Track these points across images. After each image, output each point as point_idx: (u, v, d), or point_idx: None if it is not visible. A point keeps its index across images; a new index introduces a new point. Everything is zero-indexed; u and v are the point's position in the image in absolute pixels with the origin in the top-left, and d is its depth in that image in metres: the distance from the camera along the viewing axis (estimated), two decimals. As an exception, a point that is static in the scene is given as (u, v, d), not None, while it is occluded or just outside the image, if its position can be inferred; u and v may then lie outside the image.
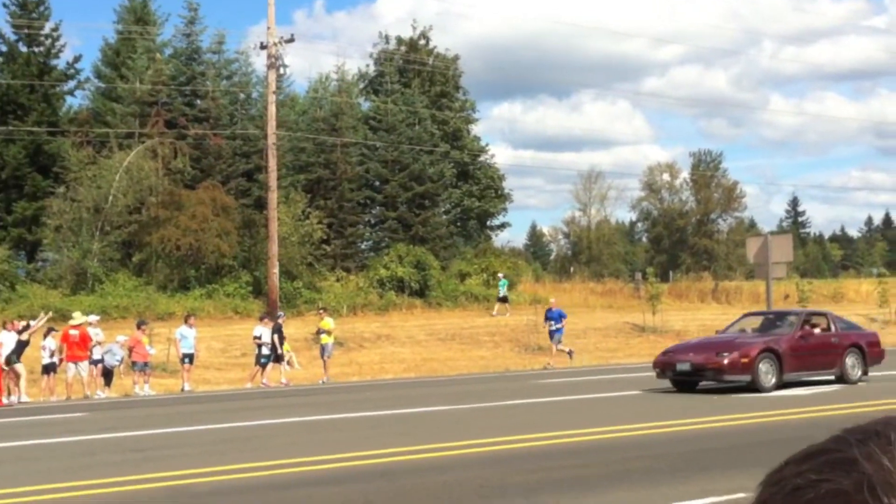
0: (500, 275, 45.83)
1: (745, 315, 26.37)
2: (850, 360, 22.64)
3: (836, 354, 22.48)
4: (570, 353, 33.50)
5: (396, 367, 30.71)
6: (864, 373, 22.81)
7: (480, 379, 29.32)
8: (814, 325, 23.01)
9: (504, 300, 44.71)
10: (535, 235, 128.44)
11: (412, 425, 16.69)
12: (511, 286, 49.08)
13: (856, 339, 23.23)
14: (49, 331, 26.35)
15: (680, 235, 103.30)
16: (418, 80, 58.58)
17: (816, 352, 22.29)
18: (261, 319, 30.03)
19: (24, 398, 24.81)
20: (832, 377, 22.44)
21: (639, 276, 56.71)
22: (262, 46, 41.42)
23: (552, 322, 33.08)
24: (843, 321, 24.61)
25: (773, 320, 24.11)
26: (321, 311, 31.91)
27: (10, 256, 43.01)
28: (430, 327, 40.09)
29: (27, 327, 26.23)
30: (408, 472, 11.59)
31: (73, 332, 25.75)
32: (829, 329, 23.01)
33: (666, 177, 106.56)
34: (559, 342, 33.15)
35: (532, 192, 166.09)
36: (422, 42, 62.58)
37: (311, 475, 11.53)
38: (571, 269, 76.66)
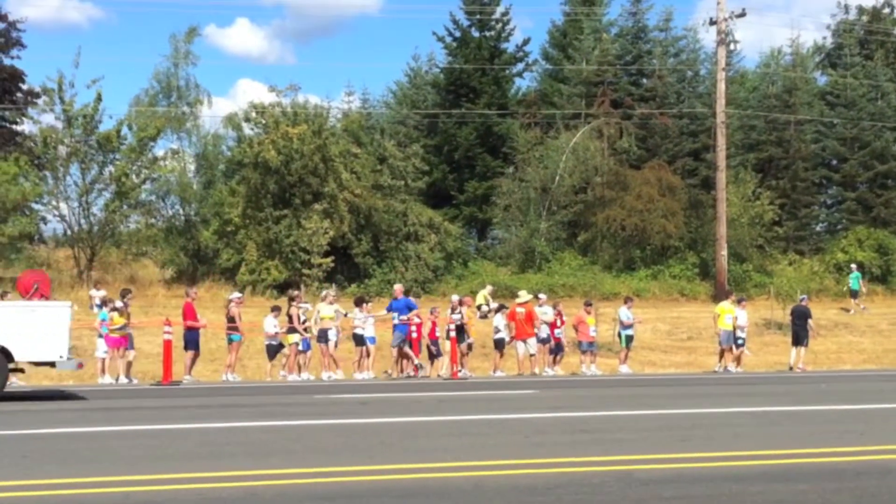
0: (853, 266, 40.03)
1: None
2: None
3: None
4: (417, 365, 24.81)
5: (855, 358, 28.55)
6: None
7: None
8: None
9: (853, 294, 38.76)
10: None
11: (871, 423, 14.99)
12: None
13: None
14: (500, 308, 27.06)
15: None
16: (882, 51, 54.68)
17: None
18: (738, 302, 29.01)
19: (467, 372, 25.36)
20: None
21: None
22: (712, 22, 40.40)
23: (395, 315, 24.88)
24: None
25: None
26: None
27: (463, 234, 45.00)
28: (893, 316, 36.98)
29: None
30: (866, 474, 10.19)
31: (519, 309, 26.13)
32: None
33: None
34: (403, 342, 24.62)
35: None
36: (885, 11, 58.26)
37: (758, 469, 10.53)
38: None
